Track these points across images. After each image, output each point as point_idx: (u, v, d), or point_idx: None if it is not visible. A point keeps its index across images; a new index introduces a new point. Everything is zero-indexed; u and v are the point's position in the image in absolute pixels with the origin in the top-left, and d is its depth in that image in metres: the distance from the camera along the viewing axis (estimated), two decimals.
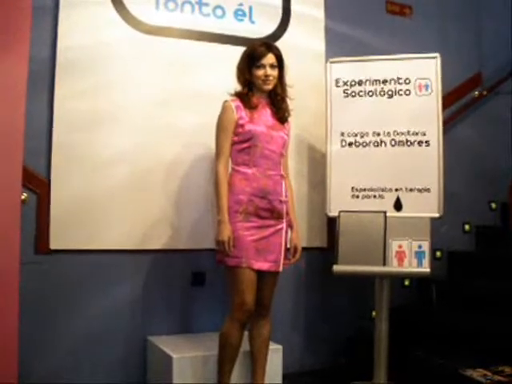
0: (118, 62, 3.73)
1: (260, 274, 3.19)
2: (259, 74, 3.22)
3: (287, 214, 3.30)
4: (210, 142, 3.79)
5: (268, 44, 3.34)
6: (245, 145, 3.22)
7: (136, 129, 3.75)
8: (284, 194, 3.29)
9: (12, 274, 1.69)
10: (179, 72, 3.87)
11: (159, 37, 3.84)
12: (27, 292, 3.04)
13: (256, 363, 3.34)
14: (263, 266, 3.17)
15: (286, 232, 3.30)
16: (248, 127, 3.21)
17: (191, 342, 3.65)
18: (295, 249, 3.34)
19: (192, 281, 3.92)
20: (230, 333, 3.18)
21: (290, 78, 3.94)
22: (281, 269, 3.26)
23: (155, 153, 3.79)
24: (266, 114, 3.29)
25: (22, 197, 2.99)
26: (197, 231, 3.89)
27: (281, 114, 3.33)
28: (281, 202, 3.25)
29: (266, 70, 3.22)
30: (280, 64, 3.30)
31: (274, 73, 3.25)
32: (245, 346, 3.33)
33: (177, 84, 3.87)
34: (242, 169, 3.21)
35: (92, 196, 3.63)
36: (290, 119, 3.41)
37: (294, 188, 3.98)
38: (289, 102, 3.38)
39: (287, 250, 3.32)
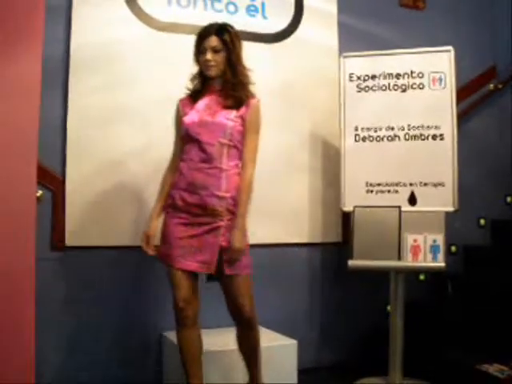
0: (131, 59, 3.74)
1: (220, 278, 3.01)
2: (201, 59, 2.93)
3: (230, 211, 2.92)
4: None
5: (213, 25, 2.98)
6: (184, 140, 3.01)
7: (150, 125, 3.76)
8: (224, 188, 2.90)
9: (28, 272, 1.70)
10: (191, 68, 3.86)
11: (172, 33, 3.84)
12: (42, 288, 3.06)
13: (247, 364, 3.21)
14: (190, 265, 2.91)
15: (228, 231, 2.89)
16: (183, 121, 2.99)
17: (206, 338, 3.65)
18: (231, 249, 2.86)
19: (207, 276, 3.92)
20: (178, 335, 3.07)
21: (303, 73, 3.97)
22: (225, 272, 2.92)
23: (169, 149, 3.78)
24: (206, 102, 2.99)
25: (38, 194, 3.01)
26: None
27: (229, 102, 2.95)
28: (218, 197, 2.89)
29: (206, 54, 2.89)
30: (228, 49, 2.92)
31: (217, 57, 2.90)
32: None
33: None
34: (181, 164, 3.00)
35: (106, 192, 3.65)
36: (254, 102, 3.00)
37: (308, 183, 4.00)
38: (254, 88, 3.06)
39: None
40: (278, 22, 4.14)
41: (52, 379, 3.42)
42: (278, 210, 4.06)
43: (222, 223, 2.89)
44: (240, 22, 4.00)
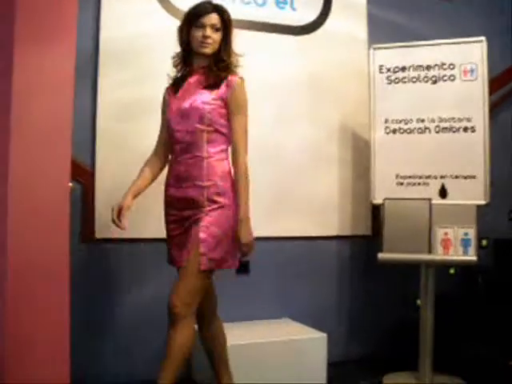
0: (160, 51, 3.72)
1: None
2: (197, 35, 2.79)
3: (211, 200, 2.75)
4: (253, 129, 3.82)
5: (209, 2, 2.89)
6: (168, 132, 2.95)
7: None
8: (206, 177, 2.75)
9: (63, 265, 1.71)
10: None
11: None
12: (73, 282, 3.09)
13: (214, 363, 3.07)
14: (181, 263, 2.78)
15: (208, 222, 2.72)
16: (167, 113, 2.94)
17: (236, 331, 3.66)
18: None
19: (237, 269, 3.93)
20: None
21: (332, 65, 3.94)
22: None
23: None
24: (186, 87, 2.88)
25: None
26: None
27: (211, 80, 2.81)
28: (199, 187, 2.75)
29: (206, 31, 2.77)
30: (226, 29, 2.88)
31: (215, 35, 2.81)
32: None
33: None
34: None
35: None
36: (235, 80, 2.82)
37: (338, 176, 3.96)
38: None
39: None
40: (306, 13, 4.11)
41: (84, 372, 3.43)
42: (307, 203, 4.05)
43: (202, 214, 2.74)
44: (269, 14, 4.00)
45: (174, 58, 2.97)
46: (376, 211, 3.95)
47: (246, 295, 3.93)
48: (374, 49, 3.82)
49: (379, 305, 4.21)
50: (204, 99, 2.77)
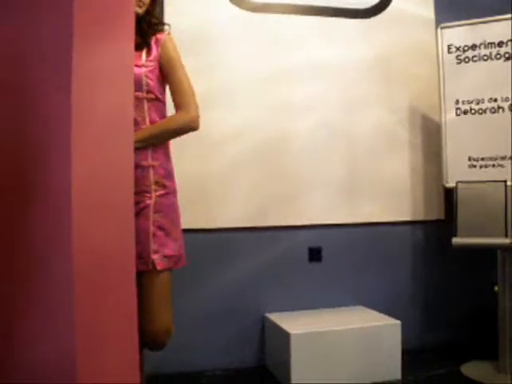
0: (224, 41, 3.75)
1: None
2: None
3: (160, 184, 2.39)
4: (321, 114, 3.82)
5: None
6: None
7: (247, 106, 3.78)
8: (150, 155, 2.38)
9: (128, 256, 1.72)
10: (286, 47, 3.85)
11: (264, 13, 3.82)
12: None
13: None
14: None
15: (159, 212, 2.37)
16: None
17: (309, 319, 3.65)
18: None
19: (309, 257, 3.92)
20: None
21: (399, 47, 3.85)
22: (157, 266, 2.33)
23: (267, 129, 3.80)
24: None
25: None
26: (312, 206, 3.88)
27: (138, 40, 2.44)
28: (142, 167, 2.34)
29: None
30: None
31: None
32: None
33: (284, 59, 3.84)
34: None
35: (207, 175, 3.70)
36: (164, 36, 2.50)
37: (408, 160, 3.92)
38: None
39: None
40: None
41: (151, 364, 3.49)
42: (377, 188, 3.99)
43: (149, 201, 2.35)
44: None
45: None
46: (449, 195, 3.85)
47: (319, 283, 3.92)
48: (442, 28, 3.71)
49: (455, 291, 4.11)
50: (137, 62, 2.38)
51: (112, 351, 1.64)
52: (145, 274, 2.27)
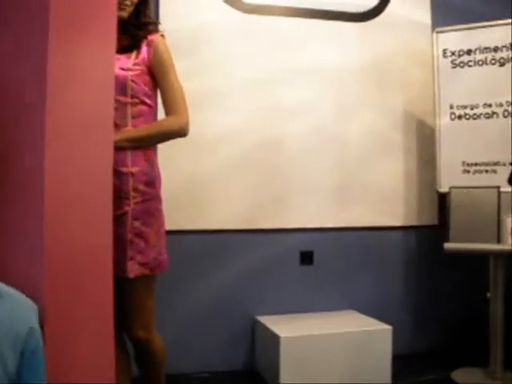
0: (219, 42, 3.74)
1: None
2: None
3: (139, 191, 2.31)
4: (315, 118, 3.81)
5: None
6: None
7: (240, 108, 3.76)
8: (130, 161, 2.30)
9: (105, 257, 1.71)
10: (280, 50, 3.84)
11: (259, 15, 3.81)
12: None
13: None
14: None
15: (138, 219, 2.29)
16: None
17: (299, 322, 3.64)
18: None
19: (300, 260, 3.90)
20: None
21: (395, 51, 3.84)
22: (129, 274, 2.27)
23: (260, 131, 3.79)
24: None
25: None
26: (304, 210, 3.87)
27: (126, 42, 2.36)
28: (121, 174, 2.26)
29: None
30: None
31: None
32: None
33: (279, 62, 3.83)
34: None
35: (199, 176, 3.68)
36: (156, 38, 2.41)
37: (402, 164, 3.93)
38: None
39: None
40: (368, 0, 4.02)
41: None
42: (371, 192, 3.98)
43: (127, 208, 2.28)
44: (329, 1, 3.93)
45: None
46: (442, 200, 3.84)
47: (310, 286, 3.90)
48: (437, 32, 3.71)
49: (447, 297, 4.09)
50: (122, 65, 2.30)
51: (85, 348, 1.63)
52: (121, 280, 2.21)
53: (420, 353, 3.98)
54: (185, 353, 3.63)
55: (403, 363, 3.71)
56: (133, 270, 2.27)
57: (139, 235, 2.29)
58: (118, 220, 2.19)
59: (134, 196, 2.29)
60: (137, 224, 2.29)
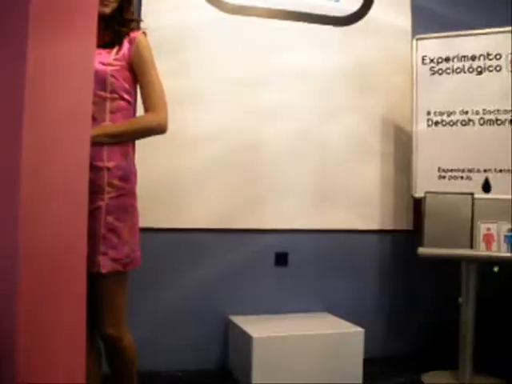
0: (202, 42, 3.74)
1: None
2: None
3: (113, 186, 2.28)
4: (295, 120, 3.82)
5: None
6: None
7: (222, 108, 3.78)
8: (106, 156, 2.28)
9: (79, 256, 1.70)
10: (264, 51, 3.85)
11: (243, 16, 3.83)
12: None
13: None
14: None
15: (112, 214, 2.26)
16: None
17: (272, 323, 3.65)
18: None
19: (275, 261, 3.91)
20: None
21: (374, 56, 3.87)
22: (102, 269, 2.24)
23: (241, 132, 3.80)
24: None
25: None
26: (281, 211, 3.89)
27: (108, 38, 2.36)
28: (97, 168, 2.23)
29: None
30: None
31: None
32: None
33: (262, 63, 3.86)
34: None
35: (176, 175, 3.68)
36: (138, 35, 2.40)
37: (380, 169, 3.97)
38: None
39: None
40: (349, 4, 4.06)
41: None
42: (348, 196, 4.01)
43: (101, 202, 2.25)
44: (312, 4, 3.96)
45: None
46: (418, 205, 3.87)
47: (284, 288, 3.91)
48: (417, 39, 3.74)
49: (419, 301, 4.13)
50: (103, 60, 2.29)
51: (57, 345, 1.62)
52: (93, 275, 2.14)
53: (393, 356, 4.01)
54: (157, 351, 3.62)
55: (375, 366, 3.74)
56: (105, 265, 2.25)
57: (112, 230, 2.27)
58: (92, 214, 2.13)
59: (108, 191, 2.27)
60: (110, 219, 2.26)
